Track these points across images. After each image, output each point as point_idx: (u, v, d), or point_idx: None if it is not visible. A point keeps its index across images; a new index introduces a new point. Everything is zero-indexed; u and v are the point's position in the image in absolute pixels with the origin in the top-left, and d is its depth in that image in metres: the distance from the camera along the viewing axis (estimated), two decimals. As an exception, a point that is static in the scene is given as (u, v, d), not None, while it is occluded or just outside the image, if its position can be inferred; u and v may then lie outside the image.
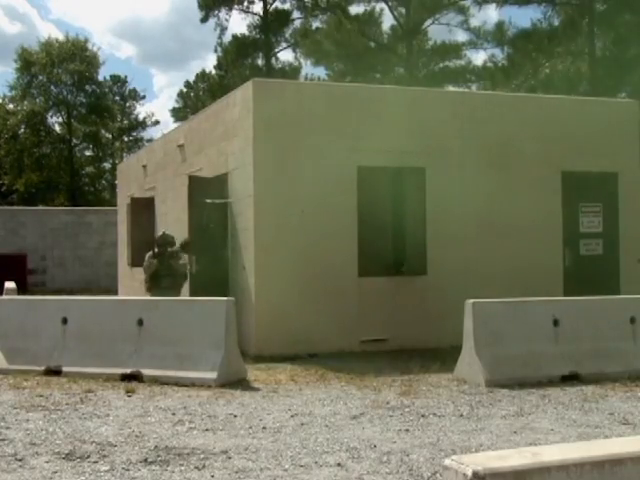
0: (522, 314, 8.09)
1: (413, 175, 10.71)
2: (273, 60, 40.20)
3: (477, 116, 10.99)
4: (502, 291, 9.53)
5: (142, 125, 49.66)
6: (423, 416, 6.37)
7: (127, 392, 7.28)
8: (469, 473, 2.20)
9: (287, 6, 38.58)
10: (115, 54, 72.97)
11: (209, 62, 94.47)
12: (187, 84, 47.87)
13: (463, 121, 10.88)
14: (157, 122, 52.86)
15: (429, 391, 7.41)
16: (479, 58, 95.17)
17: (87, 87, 43.44)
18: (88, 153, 47.26)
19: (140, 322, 8.08)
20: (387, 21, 57.92)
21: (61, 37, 47.93)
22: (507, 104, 11.50)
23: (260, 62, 40.34)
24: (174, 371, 7.71)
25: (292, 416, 6.37)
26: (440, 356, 9.16)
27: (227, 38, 39.64)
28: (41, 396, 7.14)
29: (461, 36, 68.26)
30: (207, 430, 5.90)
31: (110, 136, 48.17)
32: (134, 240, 15.33)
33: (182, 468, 4.90)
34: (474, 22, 35.34)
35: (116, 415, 6.40)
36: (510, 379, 7.58)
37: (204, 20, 38.03)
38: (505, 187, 10.99)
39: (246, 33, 39.58)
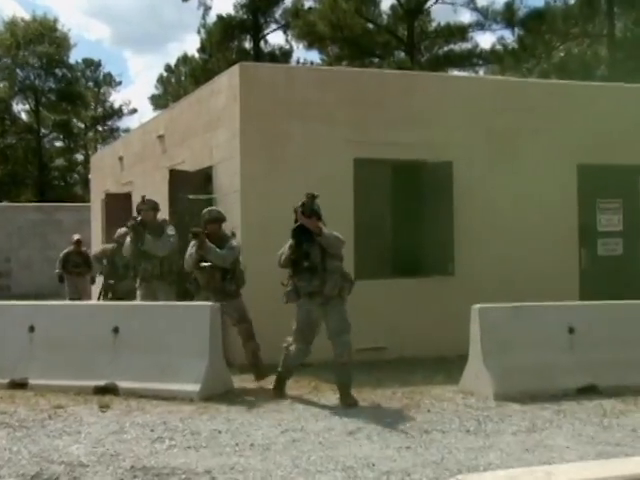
0: (534, 320, 8.11)
1: (413, 168, 10.72)
2: (262, 43, 40.21)
3: (484, 104, 11.00)
4: (514, 295, 9.54)
5: (118, 113, 49.63)
6: (426, 432, 6.38)
7: (101, 407, 7.25)
8: (477, 494, 2.19)
9: (277, -17, 38.67)
10: (85, 35, 72.82)
11: (189, 44, 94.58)
12: (167, 68, 47.85)
13: (469, 109, 10.89)
14: (134, 110, 53.12)
15: (432, 405, 7.42)
16: (487, 40, 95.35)
17: (57, 71, 43.36)
18: (58, 144, 47.18)
19: (116, 329, 8.06)
20: (386, 0, 58.02)
21: (27, 16, 47.84)
22: (517, 90, 11.51)
23: (247, 45, 40.37)
24: (153, 383, 7.70)
25: (282, 432, 6.38)
26: (444, 366, 9.17)
27: (211, 19, 39.66)
28: (4, 413, 7.11)
29: (467, 17, 68.63)
30: (189, 448, 5.89)
31: (83, 125, 48.10)
32: (110, 239, 15.27)
33: (162, 490, 4.89)
34: (481, 1, 35.48)
35: (88, 432, 6.39)
36: (521, 392, 7.59)
37: (186, -2, 38.04)
38: (514, 181, 11.00)
39: (232, 13, 39.61)
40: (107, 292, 10.89)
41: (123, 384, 7.79)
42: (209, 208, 8.84)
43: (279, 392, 7.86)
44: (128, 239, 9.56)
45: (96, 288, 14.76)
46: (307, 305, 7.57)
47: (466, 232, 10.67)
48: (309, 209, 7.45)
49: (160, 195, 12.47)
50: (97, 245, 16.70)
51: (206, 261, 8.35)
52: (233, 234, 8.71)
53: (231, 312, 8.53)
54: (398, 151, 10.60)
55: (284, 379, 7.94)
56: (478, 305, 8.01)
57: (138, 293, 9.68)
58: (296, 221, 7.52)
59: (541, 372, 7.82)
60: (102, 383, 7.84)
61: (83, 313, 8.61)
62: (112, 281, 10.64)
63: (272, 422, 6.73)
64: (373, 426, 6.57)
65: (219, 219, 8.61)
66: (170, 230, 9.50)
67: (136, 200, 14.82)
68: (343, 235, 7.94)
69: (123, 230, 10.13)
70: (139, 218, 9.49)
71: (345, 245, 7.68)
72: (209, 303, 8.16)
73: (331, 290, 7.50)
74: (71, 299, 14.02)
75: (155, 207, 9.66)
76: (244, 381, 8.52)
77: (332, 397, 7.81)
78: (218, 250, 8.30)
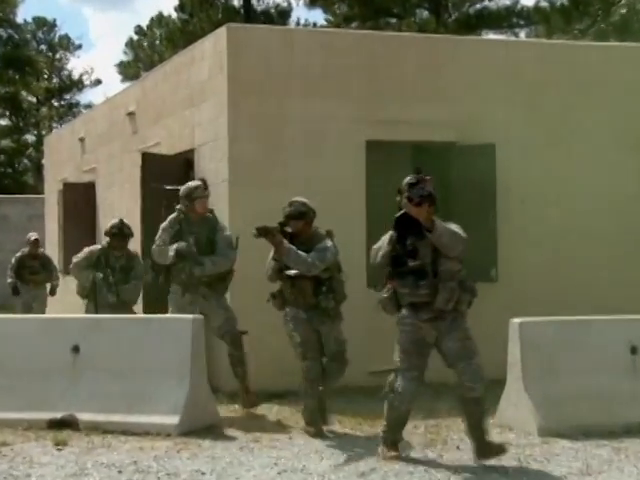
0: (588, 338, 8.10)
1: (438, 152, 10.74)
2: (254, 0, 40.20)
3: (526, 73, 11.03)
4: (568, 307, 9.56)
5: (78, 85, 49.69)
6: (455, 473, 6.40)
7: (57, 444, 7.24)
8: None
9: None
10: (36, -11, 72.86)
11: (164, 1, 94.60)
12: (138, 30, 47.90)
13: (508, 81, 10.91)
14: (98, 81, 52.95)
15: (462, 440, 7.41)
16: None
17: (1, 32, 43.31)
18: (3, 122, 47.18)
19: (76, 349, 8.06)
20: (406, -54, 57.90)
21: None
22: (567, 56, 11.50)
23: (236, 2, 40.36)
24: (121, 415, 7.70)
25: (279, 473, 6.39)
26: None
27: (192, -31, 39.66)
28: (-63, 451, 7.11)
29: (506, -33, 68.48)
30: (166, 493, 5.92)
31: (34, 99, 48.10)
32: (68, 240, 15.31)
33: (133, 543, 4.91)
34: (523, -52, 35.39)
35: (40, 475, 6.38)
36: (572, 426, 7.59)
37: (161, -56, 38.11)
38: (565, 169, 11.01)
39: (218, -38, 39.62)
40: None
41: (84, 416, 7.77)
42: (291, 200, 7.88)
43: (395, 454, 6.80)
44: (158, 242, 8.70)
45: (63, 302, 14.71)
46: (411, 319, 6.72)
47: (508, 231, 10.67)
48: (418, 194, 6.55)
49: (130, 184, 12.53)
50: (52, 247, 16.74)
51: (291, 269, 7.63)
52: (329, 233, 7.89)
53: (327, 339, 7.79)
54: (420, 131, 10.62)
55: (394, 438, 6.87)
56: (518, 319, 8.01)
57: (175, 303, 8.80)
58: (400, 208, 6.64)
59: (597, 402, 7.81)
60: (58, 415, 7.82)
61: (35, 329, 8.59)
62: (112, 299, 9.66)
63: (266, 461, 6.74)
64: (390, 466, 6.57)
65: (305, 214, 7.77)
66: (225, 229, 8.77)
67: (101, 190, 14.93)
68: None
69: (116, 221, 9.85)
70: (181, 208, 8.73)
71: (466, 244, 6.85)
72: (191, 316, 8.16)
73: (444, 302, 6.60)
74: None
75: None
76: (233, 411, 8.55)
77: (340, 430, 7.86)
78: (300, 253, 7.46)
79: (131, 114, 13.23)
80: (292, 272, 7.59)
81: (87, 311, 9.81)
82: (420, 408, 8.45)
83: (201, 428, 7.66)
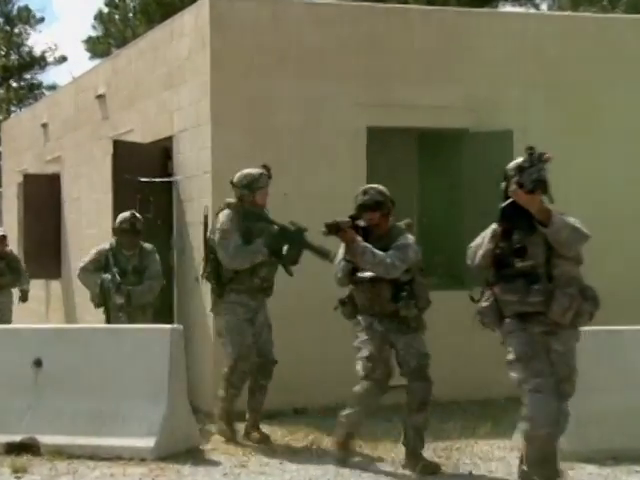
0: (619, 350, 8.09)
1: (449, 139, 10.72)
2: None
3: (548, 50, 11.02)
4: (601, 315, 9.54)
5: (39, 63, 49.48)
6: (468, 504, 6.41)
7: (15, 471, 7.22)
8: None
9: None
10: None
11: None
12: (109, 2, 47.76)
13: (527, 59, 10.91)
14: (63, 59, 52.79)
15: (476, 466, 7.46)
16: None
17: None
18: (-45, 105, 47.03)
19: (38, 362, 8.05)
20: None
21: None
22: (596, 31, 11.49)
23: (220, -31, 40.22)
24: (89, 437, 7.70)
25: (269, 504, 6.40)
26: (492, 413, 9.18)
27: None
28: None
29: None
30: (141, 526, 5.91)
31: (-11, 80, 47.98)
32: (29, 238, 15.26)
33: None
34: None
35: (-1, 506, 6.40)
36: (600, 450, 7.60)
37: None
38: (592, 159, 11.01)
39: None
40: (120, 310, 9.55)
41: (47, 439, 7.76)
42: (365, 187, 7.51)
43: None
44: (229, 246, 8.21)
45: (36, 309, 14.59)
46: (521, 327, 6.22)
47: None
48: (531, 178, 5.98)
49: (100, 176, 12.50)
50: (11, 247, 16.67)
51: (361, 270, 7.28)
52: (409, 226, 7.53)
53: (403, 353, 7.37)
54: (427, 117, 10.62)
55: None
56: (540, 329, 7.99)
57: (236, 316, 8.31)
58: (507, 197, 6.20)
59: (629, 422, 7.81)
60: (17, 438, 7.81)
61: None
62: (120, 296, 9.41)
63: (255, 490, 6.75)
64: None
65: (382, 204, 7.34)
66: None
67: (66, 183, 14.88)
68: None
69: (127, 215, 9.66)
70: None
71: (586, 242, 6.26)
72: (169, 326, 8.12)
73: (561, 313, 6.09)
74: None
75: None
76: (216, 433, 8.52)
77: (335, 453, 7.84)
78: (377, 253, 7.08)
79: (101, 97, 13.20)
80: (367, 274, 7.23)
81: (105, 320, 9.67)
82: (428, 429, 8.47)
83: (180, 452, 7.66)
